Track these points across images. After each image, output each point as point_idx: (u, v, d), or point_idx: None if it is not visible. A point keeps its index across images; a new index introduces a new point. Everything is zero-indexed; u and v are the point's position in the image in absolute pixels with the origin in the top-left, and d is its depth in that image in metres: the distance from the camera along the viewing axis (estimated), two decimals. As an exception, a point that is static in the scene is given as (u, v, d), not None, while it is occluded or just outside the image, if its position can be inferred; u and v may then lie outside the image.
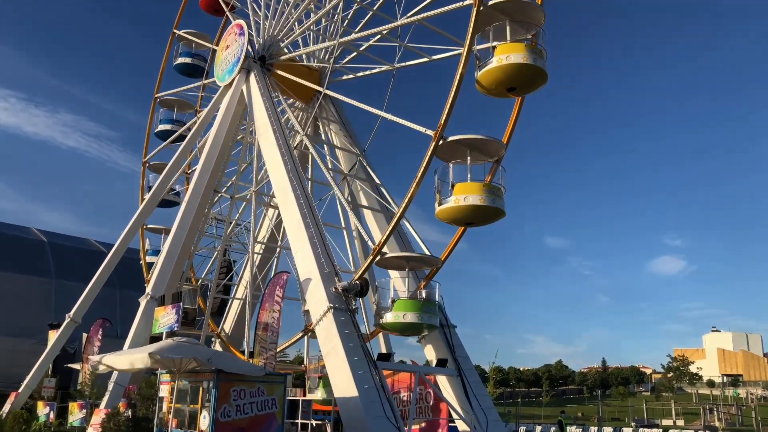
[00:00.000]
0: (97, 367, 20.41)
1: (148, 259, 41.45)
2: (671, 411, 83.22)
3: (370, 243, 26.40)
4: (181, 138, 41.29)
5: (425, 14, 27.64)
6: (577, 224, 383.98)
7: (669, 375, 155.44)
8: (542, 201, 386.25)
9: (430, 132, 24.33)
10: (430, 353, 27.82)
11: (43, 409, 31.56)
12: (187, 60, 43.15)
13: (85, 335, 34.49)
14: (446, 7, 26.02)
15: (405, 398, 26.40)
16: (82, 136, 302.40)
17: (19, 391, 34.88)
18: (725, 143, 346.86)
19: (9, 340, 46.41)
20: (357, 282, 24.46)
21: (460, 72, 23.36)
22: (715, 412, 78.58)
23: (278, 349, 25.06)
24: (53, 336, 35.50)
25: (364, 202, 33.09)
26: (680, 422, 75.09)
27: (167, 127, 43.57)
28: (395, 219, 25.23)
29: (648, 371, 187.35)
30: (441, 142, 23.96)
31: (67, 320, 34.52)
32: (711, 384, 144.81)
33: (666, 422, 74.09)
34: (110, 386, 26.99)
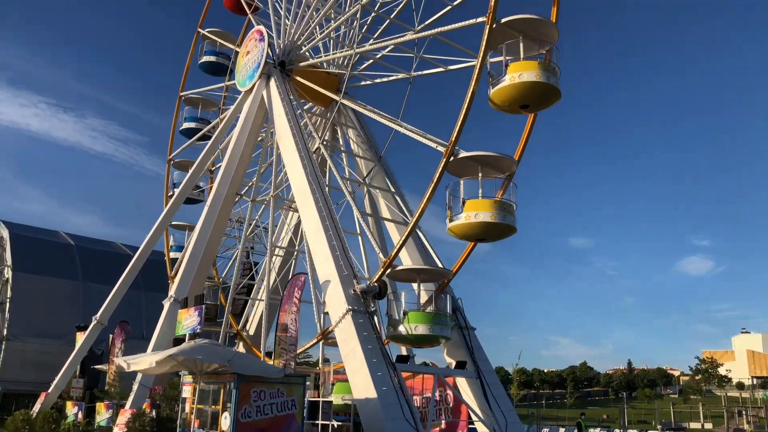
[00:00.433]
0: (122, 368, 20.93)
1: (172, 255, 42.19)
2: (699, 414, 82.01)
3: (381, 256, 26.53)
4: (205, 136, 42.15)
5: (440, 29, 27.76)
6: (602, 224, 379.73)
7: (697, 377, 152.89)
8: (566, 200, 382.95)
9: (441, 148, 24.46)
10: (449, 355, 27.92)
11: (71, 409, 32.30)
12: (212, 58, 43.84)
13: (111, 336, 35.24)
14: (460, 24, 26.10)
15: (424, 400, 26.54)
16: (109, 141, 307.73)
17: (49, 391, 35.64)
18: (753, 143, 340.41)
19: (38, 342, 47.66)
20: (375, 284, 24.70)
21: (471, 90, 23.37)
22: (744, 415, 77.24)
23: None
24: (81, 338, 36.27)
25: (382, 206, 33.36)
26: (708, 425, 73.99)
27: (192, 125, 44.30)
28: (405, 234, 25.43)
29: (676, 373, 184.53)
30: (452, 158, 24.11)
31: (93, 322, 35.25)
32: (740, 386, 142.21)
33: (694, 425, 73.16)
34: (135, 387, 27.59)
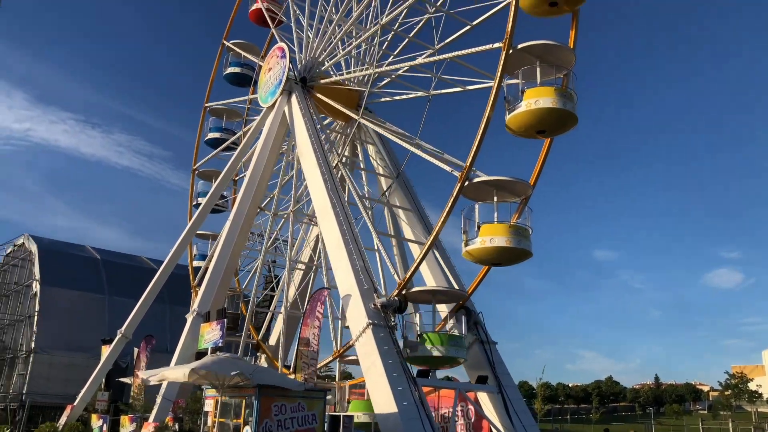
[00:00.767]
0: (147, 381, 21.22)
1: (195, 263, 42.69)
2: (729, 430, 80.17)
3: (396, 276, 26.54)
4: (229, 147, 42.78)
5: (457, 53, 27.96)
6: (627, 236, 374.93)
7: (727, 393, 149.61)
8: (590, 212, 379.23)
9: (456, 173, 24.57)
10: (470, 370, 27.78)
11: (96, 422, 32.69)
12: (237, 69, 44.46)
13: (136, 350, 35.68)
14: (477, 48, 26.17)
15: (446, 415, 26.42)
16: (135, 156, 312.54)
17: (75, 404, 36.10)
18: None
19: (65, 355, 48.30)
20: (396, 298, 24.75)
21: (486, 116, 23.49)
22: (775, 432, 75.30)
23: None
24: (106, 351, 36.77)
25: (403, 221, 33.54)
26: (738, 442, 72.36)
27: (216, 135, 44.92)
28: (419, 257, 25.60)
29: (705, 389, 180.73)
30: (467, 182, 24.18)
31: (118, 336, 35.72)
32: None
33: (723, 442, 71.49)
34: (158, 400, 27.85)
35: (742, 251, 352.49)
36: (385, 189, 34.51)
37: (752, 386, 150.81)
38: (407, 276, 25.54)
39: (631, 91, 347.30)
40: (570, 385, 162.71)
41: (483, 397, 26.97)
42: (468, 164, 23.92)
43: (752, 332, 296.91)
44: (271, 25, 40.68)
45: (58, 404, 41.39)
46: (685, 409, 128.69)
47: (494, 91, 23.51)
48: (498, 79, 23.51)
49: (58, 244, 58.48)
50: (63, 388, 45.11)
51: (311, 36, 36.19)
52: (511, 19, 23.76)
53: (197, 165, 45.16)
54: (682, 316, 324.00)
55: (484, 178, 24.33)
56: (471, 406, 26.41)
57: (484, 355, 27.23)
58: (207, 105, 45.64)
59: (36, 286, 51.12)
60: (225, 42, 45.00)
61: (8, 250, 59.89)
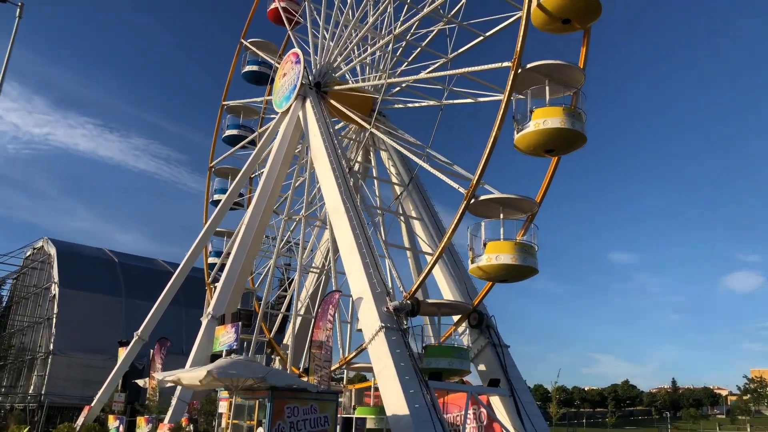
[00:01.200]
0: (163, 383, 21.58)
1: (210, 260, 43.13)
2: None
3: (402, 288, 26.38)
4: (245, 146, 43.25)
5: (467, 69, 28.15)
6: (644, 239, 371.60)
7: (745, 397, 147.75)
8: (605, 215, 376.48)
9: (462, 190, 24.72)
10: (482, 373, 27.87)
11: (113, 423, 33.18)
12: (255, 68, 44.85)
13: (152, 352, 36.12)
14: (486, 66, 26.32)
15: (457, 418, 26.49)
16: (152, 159, 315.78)
17: (92, 405, 36.61)
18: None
19: (83, 356, 48.99)
20: (408, 302, 24.89)
21: (493, 136, 23.59)
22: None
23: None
24: (123, 353, 37.27)
25: (416, 227, 33.80)
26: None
27: (234, 132, 45.37)
28: (424, 273, 25.87)
29: (723, 393, 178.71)
30: (473, 200, 24.33)
31: (135, 338, 36.19)
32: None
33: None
34: (173, 402, 28.22)
35: (761, 254, 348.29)
36: (398, 193, 34.71)
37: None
38: (412, 289, 25.68)
39: (647, 92, 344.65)
40: (586, 389, 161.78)
41: (495, 401, 27.00)
42: (474, 182, 24.06)
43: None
44: (287, 26, 40.92)
45: (76, 405, 42.03)
46: (702, 414, 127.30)
47: (502, 110, 23.59)
48: (506, 98, 23.57)
49: (76, 247, 59.32)
50: (81, 390, 45.79)
51: (327, 40, 36.48)
52: (520, 39, 23.77)
53: (214, 162, 45.54)
54: (700, 319, 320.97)
55: (490, 196, 24.51)
56: (483, 410, 26.46)
57: (496, 359, 27.27)
58: (225, 103, 46.06)
59: (55, 289, 51.89)
60: (243, 41, 45.25)
61: (28, 253, 60.88)
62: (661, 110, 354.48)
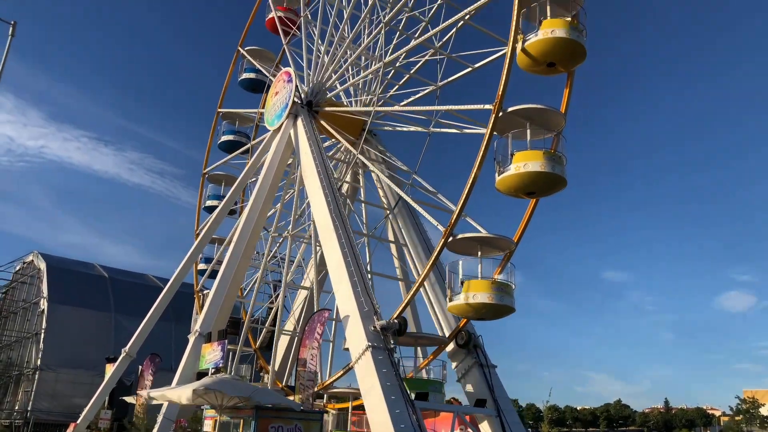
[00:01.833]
0: (150, 400, 21.51)
1: (200, 266, 43.13)
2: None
3: (375, 319, 25.10)
4: (241, 153, 43.41)
5: (451, 107, 29.02)
6: (637, 258, 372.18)
7: (738, 418, 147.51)
8: (599, 233, 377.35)
9: (441, 228, 25.13)
10: (469, 393, 27.88)
11: (99, 440, 32.88)
12: (252, 75, 44.95)
13: (140, 368, 35.92)
14: (470, 106, 26.90)
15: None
16: (146, 173, 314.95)
17: (78, 422, 36.29)
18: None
19: (70, 372, 48.65)
20: (395, 321, 24.94)
21: (472, 177, 24.09)
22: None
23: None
24: (110, 369, 36.98)
25: (404, 243, 34.06)
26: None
27: (230, 137, 45.43)
28: (407, 297, 26.41)
29: (716, 413, 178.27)
30: (451, 239, 24.68)
31: (123, 354, 35.98)
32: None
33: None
34: (159, 419, 28.04)
35: (754, 274, 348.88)
36: (391, 206, 34.94)
37: (764, 411, 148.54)
38: (404, 302, 25.84)
39: (640, 105, 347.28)
40: (578, 408, 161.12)
41: (481, 421, 27.08)
42: (452, 221, 24.50)
43: (765, 356, 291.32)
44: (283, 40, 41.01)
45: (62, 422, 41.64)
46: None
47: (482, 151, 24.08)
48: (486, 140, 24.08)
49: (66, 261, 59.10)
50: (67, 406, 45.43)
51: (321, 57, 36.76)
52: (502, 84, 24.21)
53: (208, 169, 45.62)
54: (694, 339, 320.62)
55: (468, 234, 24.95)
56: (470, 430, 26.46)
57: (483, 379, 27.35)
58: (220, 110, 46.24)
59: (44, 304, 51.65)
60: (240, 48, 45.40)
61: (17, 267, 60.63)
62: (653, 118, 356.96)
